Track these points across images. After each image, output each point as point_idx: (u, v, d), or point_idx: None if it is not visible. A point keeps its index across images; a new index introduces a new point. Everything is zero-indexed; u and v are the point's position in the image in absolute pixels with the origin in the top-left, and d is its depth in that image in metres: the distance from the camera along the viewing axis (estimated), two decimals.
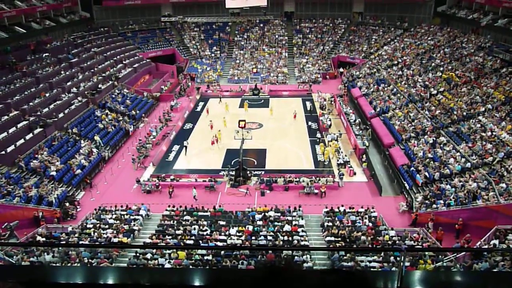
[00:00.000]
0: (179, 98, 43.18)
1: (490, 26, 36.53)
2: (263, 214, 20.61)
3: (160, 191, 24.44)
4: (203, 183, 24.86)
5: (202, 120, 36.78)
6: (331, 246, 17.68)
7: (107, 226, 19.76)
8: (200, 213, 21.14)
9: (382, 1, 52.35)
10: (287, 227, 19.15)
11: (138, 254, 16.98)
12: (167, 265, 16.04)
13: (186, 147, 30.31)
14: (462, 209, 19.29)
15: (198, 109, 40.51)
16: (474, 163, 22.32)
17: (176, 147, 30.98)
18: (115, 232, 19.20)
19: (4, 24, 36.79)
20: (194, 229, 19.21)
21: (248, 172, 25.53)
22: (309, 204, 22.26)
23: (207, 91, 45.38)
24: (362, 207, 21.21)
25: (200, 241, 18.04)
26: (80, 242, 17.77)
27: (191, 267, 15.38)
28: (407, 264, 12.55)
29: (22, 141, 25.32)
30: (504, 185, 19.22)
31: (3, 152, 23.88)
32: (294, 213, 20.85)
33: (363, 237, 18.09)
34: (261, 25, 56.83)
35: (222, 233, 18.82)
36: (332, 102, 40.32)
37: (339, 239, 18.28)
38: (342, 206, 21.37)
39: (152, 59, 50.54)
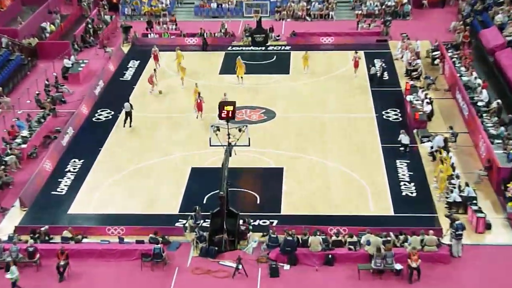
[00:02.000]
0: (83, 51, 43.63)
1: None
2: None
3: (37, 266, 24.21)
4: (138, 246, 24.56)
5: (141, 99, 36.92)
6: None
7: None
8: None
9: None
10: None
11: None
12: None
13: (129, 113, 32.95)
14: None
15: (127, 75, 40.95)
16: None
17: (76, 163, 31.11)
18: None
19: None
20: None
21: (241, 221, 25.45)
22: None
23: (150, 35, 46.15)
24: None
25: None
26: None
27: None
28: None
29: None
30: None
31: None
32: None
33: None
34: None
35: None
36: (436, 61, 40.40)
37: None
38: None
39: None
